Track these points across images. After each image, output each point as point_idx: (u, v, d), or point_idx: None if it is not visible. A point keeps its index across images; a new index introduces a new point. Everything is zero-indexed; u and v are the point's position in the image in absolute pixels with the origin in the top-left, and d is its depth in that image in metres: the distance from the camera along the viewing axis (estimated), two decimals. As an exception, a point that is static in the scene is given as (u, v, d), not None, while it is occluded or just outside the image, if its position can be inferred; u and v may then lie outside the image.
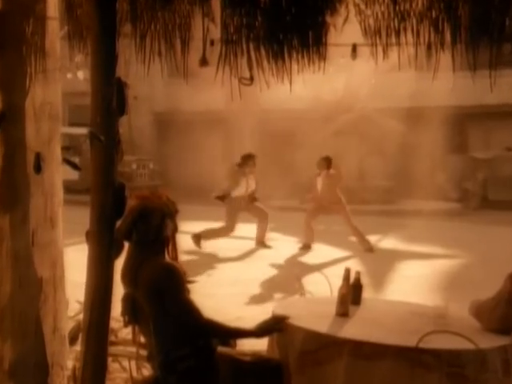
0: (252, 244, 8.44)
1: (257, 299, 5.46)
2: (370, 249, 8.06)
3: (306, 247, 8.14)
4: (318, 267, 6.78)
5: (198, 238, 8.14)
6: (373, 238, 9.36)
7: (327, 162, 8.24)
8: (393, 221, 11.85)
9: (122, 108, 2.32)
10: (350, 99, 15.40)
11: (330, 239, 8.81)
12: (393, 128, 14.97)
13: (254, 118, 17.05)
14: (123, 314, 2.42)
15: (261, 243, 8.28)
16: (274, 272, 6.78)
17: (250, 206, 8.28)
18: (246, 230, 9.62)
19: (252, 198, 8.31)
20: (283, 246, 8.32)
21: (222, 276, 6.52)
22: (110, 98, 2.27)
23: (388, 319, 2.65)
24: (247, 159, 8.28)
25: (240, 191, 8.24)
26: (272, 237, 8.96)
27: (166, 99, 18.85)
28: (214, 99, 16.99)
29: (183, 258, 2.48)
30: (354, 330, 2.45)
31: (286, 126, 16.58)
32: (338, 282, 2.65)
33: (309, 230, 8.18)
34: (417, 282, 6.38)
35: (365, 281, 2.90)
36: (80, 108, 15.16)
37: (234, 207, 8.19)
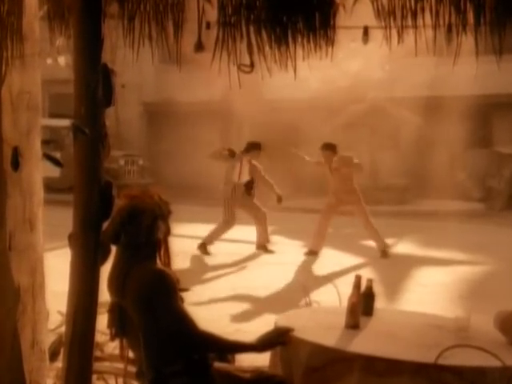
0: (252, 248, 8.44)
1: (258, 309, 5.47)
2: (386, 252, 8.04)
3: (313, 253, 8.13)
4: (326, 274, 6.78)
5: (203, 246, 8.14)
6: (386, 241, 9.37)
7: (331, 148, 8.15)
8: (408, 223, 11.86)
9: (108, 98, 2.32)
10: (361, 88, 15.39)
11: (339, 243, 8.81)
12: (408, 120, 14.97)
13: (254, 110, 17.04)
14: (110, 326, 2.42)
15: (262, 247, 8.28)
16: (276, 279, 6.78)
17: (246, 200, 8.26)
18: (245, 232, 9.63)
19: (248, 191, 8.28)
20: (287, 250, 8.33)
21: (219, 284, 6.53)
22: (95, 86, 2.26)
23: (403, 332, 2.65)
24: (251, 147, 8.23)
25: (232, 178, 8.26)
26: (274, 240, 8.97)
27: (157, 88, 18.86)
28: (210, 88, 16.99)
29: (176, 263, 2.48)
30: (365, 343, 2.45)
31: (291, 118, 16.58)
32: (347, 291, 2.65)
33: (320, 235, 8.11)
34: (435, 290, 6.38)
35: (377, 289, 2.90)
36: (62, 97, 15.18)
37: (228, 197, 8.20)
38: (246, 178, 8.32)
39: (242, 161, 8.28)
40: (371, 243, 8.33)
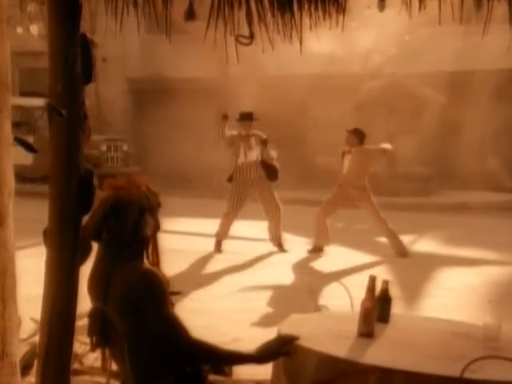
0: (253, 246, 8.46)
1: (258, 315, 5.49)
2: (404, 253, 8.07)
3: (317, 250, 8.15)
4: (336, 275, 6.80)
5: (218, 244, 8.18)
6: (405, 239, 9.37)
7: (359, 136, 8.19)
8: (431, 217, 11.87)
9: (88, 73, 2.32)
10: (377, 62, 15.36)
11: (350, 240, 8.83)
12: (431, 99, 14.93)
13: (255, 87, 17.00)
14: (90, 334, 2.43)
15: (278, 245, 8.26)
16: (279, 281, 6.80)
17: (260, 186, 8.21)
18: (244, 227, 9.64)
19: (260, 174, 8.19)
20: (293, 248, 8.35)
21: (216, 286, 6.55)
22: (73, 60, 2.27)
23: (424, 341, 2.66)
24: (243, 118, 8.32)
25: (239, 159, 8.22)
26: (259, 235, 8.99)
27: (144, 62, 18.81)
28: (204, 63, 16.93)
29: (166, 263, 2.49)
30: (381, 354, 2.46)
31: (297, 98, 16.56)
32: (360, 294, 2.66)
33: (321, 228, 8.16)
34: (461, 294, 6.40)
35: (394, 292, 2.91)
36: (34, 72, 15.14)
37: (235, 181, 8.17)
38: (252, 155, 8.31)
39: (240, 138, 8.29)
40: (383, 239, 8.34)
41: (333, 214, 8.31)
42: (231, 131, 8.42)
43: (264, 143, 8.30)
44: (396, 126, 15.08)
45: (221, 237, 8.27)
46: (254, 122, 8.37)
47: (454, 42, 14.96)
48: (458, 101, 15.44)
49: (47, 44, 2.33)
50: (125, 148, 15.93)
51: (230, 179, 8.35)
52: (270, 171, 8.28)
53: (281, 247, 8.28)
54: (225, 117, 8.34)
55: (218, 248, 8.25)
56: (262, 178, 8.27)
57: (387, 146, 8.29)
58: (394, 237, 8.11)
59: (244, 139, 8.31)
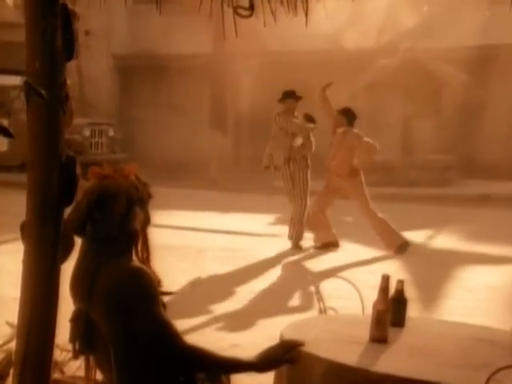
0: (253, 241, 8.47)
1: (259, 318, 5.50)
2: (402, 248, 7.99)
3: (330, 246, 8.15)
4: (345, 274, 6.81)
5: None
6: (422, 234, 9.38)
7: (349, 117, 8.14)
8: (450, 210, 11.88)
9: (69, 49, 2.32)
10: (392, 36, 15.30)
11: (361, 235, 8.84)
12: (452, 78, 14.86)
13: (255, 65, 16.98)
14: (73, 339, 2.44)
15: (295, 245, 8.21)
16: (283, 281, 6.82)
17: (298, 174, 8.22)
18: (244, 221, 9.66)
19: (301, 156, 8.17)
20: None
21: (212, 286, 6.57)
22: (53, 33, 2.26)
23: (444, 348, 2.67)
24: (287, 96, 8.26)
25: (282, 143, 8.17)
26: (279, 232, 9.00)
27: (131, 37, 18.76)
28: (199, 38, 16.90)
29: (157, 260, 2.50)
30: (395, 362, 2.47)
31: (300, 77, 16.50)
32: (372, 295, 2.67)
33: (322, 225, 8.11)
34: (485, 296, 6.41)
35: (410, 293, 2.92)
36: (9, 47, 15.07)
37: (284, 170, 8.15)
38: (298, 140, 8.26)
39: (286, 121, 8.19)
40: (405, 234, 8.34)
41: (329, 206, 8.25)
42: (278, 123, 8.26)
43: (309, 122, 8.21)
44: (412, 109, 15.04)
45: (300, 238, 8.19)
46: (298, 101, 8.29)
47: (478, 12, 14.88)
48: (482, 79, 15.37)
49: (23, 15, 2.33)
50: (111, 133, 15.92)
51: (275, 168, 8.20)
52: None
53: (297, 246, 8.21)
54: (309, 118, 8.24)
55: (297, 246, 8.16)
56: (299, 167, 8.21)
57: (376, 145, 8.16)
58: (386, 232, 7.97)
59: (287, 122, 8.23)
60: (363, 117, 8.45)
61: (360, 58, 15.18)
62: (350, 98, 14.30)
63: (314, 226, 8.17)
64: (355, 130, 8.18)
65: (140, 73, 18.72)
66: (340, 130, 8.09)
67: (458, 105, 15.45)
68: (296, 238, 8.19)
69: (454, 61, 14.62)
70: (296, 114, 8.37)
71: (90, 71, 18.32)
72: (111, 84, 19.21)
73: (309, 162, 8.30)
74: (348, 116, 8.13)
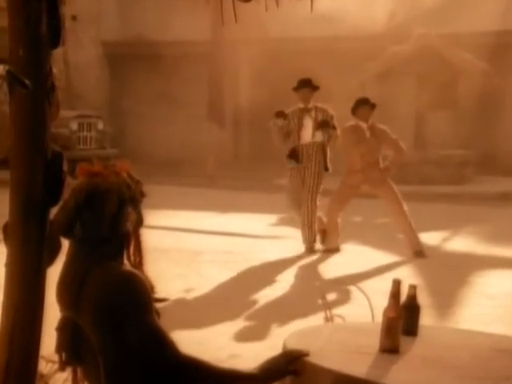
0: (253, 244, 8.47)
1: (261, 327, 5.51)
2: (421, 252, 8.03)
3: (333, 251, 8.15)
4: (353, 279, 6.81)
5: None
6: (437, 236, 9.37)
7: (369, 108, 8.15)
8: (468, 209, 11.88)
9: (55, 35, 2.32)
10: (404, 21, 15.28)
11: (370, 237, 8.84)
12: (470, 66, 14.83)
13: (256, 53, 16.97)
14: (59, 350, 2.44)
15: (310, 249, 8.20)
16: (286, 286, 6.82)
17: (312, 171, 8.17)
18: (243, 221, 9.66)
19: (317, 158, 8.08)
20: (297, 246, 8.36)
21: (209, 292, 6.57)
22: (37, 18, 2.26)
23: (460, 359, 2.67)
24: (303, 85, 8.14)
25: (301, 140, 8.07)
26: (283, 233, 9.01)
27: (122, 21, 18.77)
28: (196, 23, 16.90)
29: (151, 264, 2.51)
30: (407, 374, 2.46)
31: (304, 65, 16.51)
32: (382, 302, 2.67)
33: (332, 226, 8.12)
34: (505, 303, 6.41)
35: (424, 300, 2.92)
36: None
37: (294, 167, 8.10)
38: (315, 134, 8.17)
39: (302, 111, 8.10)
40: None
41: (345, 207, 8.28)
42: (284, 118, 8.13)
43: (328, 120, 8.07)
44: (426, 100, 15.04)
45: (320, 232, 8.15)
46: (315, 91, 8.17)
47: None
48: (502, 68, 15.35)
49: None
50: (100, 126, 15.91)
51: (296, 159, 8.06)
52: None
53: (312, 250, 8.19)
54: (280, 114, 8.11)
55: (311, 250, 8.13)
56: (315, 164, 8.11)
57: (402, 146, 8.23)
58: (412, 233, 8.05)
59: (300, 114, 8.14)
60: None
61: (369, 45, 15.18)
62: (358, 88, 14.31)
63: (327, 227, 8.16)
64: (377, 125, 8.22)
65: (132, 61, 18.72)
66: (371, 123, 8.08)
67: (476, 95, 15.40)
68: (310, 241, 8.16)
69: (471, 47, 14.59)
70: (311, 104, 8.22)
71: (78, 59, 18.32)
72: (100, 73, 19.22)
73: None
74: (372, 107, 8.13)
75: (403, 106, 14.91)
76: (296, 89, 8.22)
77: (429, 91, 14.97)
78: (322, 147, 8.15)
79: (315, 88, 8.22)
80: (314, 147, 8.15)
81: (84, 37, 18.39)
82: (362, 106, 8.09)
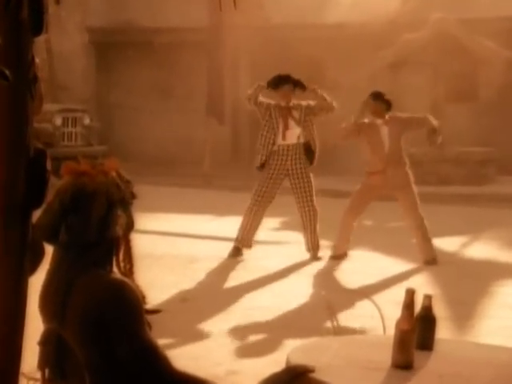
0: (253, 250, 8.47)
1: (261, 340, 5.51)
2: (433, 260, 8.02)
3: (341, 257, 8.15)
4: (363, 288, 6.81)
5: (236, 250, 8.12)
6: (455, 241, 9.37)
7: (385, 102, 8.16)
8: (489, 212, 11.89)
9: (37, 22, 2.32)
10: (420, 6, 15.27)
11: (382, 242, 8.84)
12: (492, 54, 14.81)
13: (257, 41, 16.97)
14: (42, 365, 2.44)
15: (314, 255, 8.21)
16: (290, 296, 6.83)
17: (297, 177, 8.20)
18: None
19: (300, 161, 8.15)
20: (304, 252, 8.37)
21: (205, 302, 6.58)
22: (18, 3, 2.26)
23: (481, 376, 2.66)
24: (279, 81, 8.13)
25: (277, 139, 8.14)
26: (286, 238, 9.01)
27: (110, 6, 18.77)
28: (191, 8, 16.90)
29: (142, 272, 2.51)
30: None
31: (309, 54, 16.53)
32: (395, 313, 2.67)
33: (346, 230, 8.12)
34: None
35: (440, 311, 2.93)
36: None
37: (268, 169, 8.13)
38: (293, 134, 8.19)
39: (276, 108, 8.14)
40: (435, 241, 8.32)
41: (364, 211, 8.26)
42: (267, 100, 8.18)
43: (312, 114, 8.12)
44: (444, 92, 15.01)
45: (241, 242, 8.20)
46: (297, 87, 8.15)
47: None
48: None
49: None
50: (86, 121, 15.92)
51: (262, 166, 8.17)
52: (310, 156, 8.18)
53: (317, 257, 8.19)
54: (262, 86, 8.15)
55: (236, 253, 8.19)
56: (301, 166, 8.17)
57: (432, 118, 8.27)
58: (427, 241, 8.02)
59: (283, 112, 8.17)
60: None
61: (380, 32, 15.16)
62: (368, 80, 14.30)
63: (340, 230, 8.15)
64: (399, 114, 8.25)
65: (121, 50, 18.71)
66: (388, 117, 8.10)
67: (499, 86, 15.37)
68: (314, 247, 8.17)
69: (493, 34, 14.55)
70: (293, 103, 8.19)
71: (62, 48, 18.33)
72: (87, 63, 19.22)
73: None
74: (385, 101, 8.14)
75: (418, 99, 14.88)
76: (275, 86, 8.16)
77: (446, 82, 14.96)
78: (306, 147, 8.18)
79: (297, 84, 8.17)
80: (298, 148, 8.18)
81: (69, 23, 18.39)
82: (376, 100, 8.10)
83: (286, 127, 8.17)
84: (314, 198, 8.22)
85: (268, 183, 8.16)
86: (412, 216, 8.10)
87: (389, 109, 8.14)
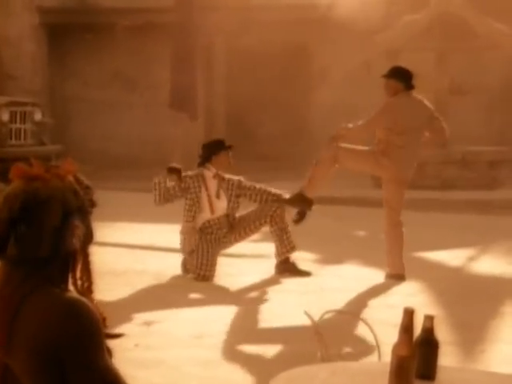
0: (226, 263, 8.49)
1: (240, 369, 5.52)
2: (401, 276, 7.96)
3: (397, 278, 8.06)
4: (354, 307, 6.84)
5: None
6: (461, 254, 9.42)
7: (406, 79, 8.09)
8: (500, 221, 11.95)
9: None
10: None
11: (375, 255, 8.86)
12: (503, 39, 14.87)
13: (233, 24, 17.00)
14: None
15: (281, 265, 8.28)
16: (271, 316, 6.84)
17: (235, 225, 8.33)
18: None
19: (231, 222, 8.30)
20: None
21: (177, 325, 6.58)
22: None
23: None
24: (214, 148, 8.22)
25: (205, 215, 8.27)
26: (267, 251, 9.02)
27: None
28: (157, -13, 16.91)
29: (102, 290, 2.52)
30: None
31: (295, 39, 16.57)
32: (391, 336, 2.70)
33: (399, 237, 8.07)
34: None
35: (443, 334, 2.95)
36: None
37: (201, 238, 8.20)
38: (221, 208, 8.28)
39: (204, 180, 8.26)
40: (427, 254, 8.36)
41: (345, 164, 8.17)
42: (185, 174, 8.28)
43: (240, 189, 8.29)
44: (448, 82, 15.07)
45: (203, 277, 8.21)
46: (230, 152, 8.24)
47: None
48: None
49: None
50: (37, 116, 15.87)
51: (192, 252, 8.16)
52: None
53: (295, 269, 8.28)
54: (173, 170, 8.22)
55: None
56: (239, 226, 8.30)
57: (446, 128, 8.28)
58: (398, 254, 7.98)
59: (211, 183, 8.25)
60: (381, 92, 8.44)
61: (375, 14, 15.24)
62: (362, 67, 14.35)
63: (313, 169, 8.08)
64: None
65: (77, 34, 18.68)
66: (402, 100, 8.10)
67: (511, 76, 15.46)
68: (280, 253, 8.27)
69: (505, 15, 14.61)
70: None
71: (9, 31, 18.29)
72: (37, 49, 19.14)
73: None
74: (404, 78, 8.13)
75: (418, 91, 14.96)
76: (216, 152, 8.19)
77: (451, 71, 15.01)
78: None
79: (230, 148, 8.26)
80: (229, 218, 8.29)
81: (16, 2, 18.34)
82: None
83: (218, 197, 8.25)
84: (270, 210, 8.29)
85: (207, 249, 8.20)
86: (389, 222, 8.13)
87: (410, 87, 8.11)
